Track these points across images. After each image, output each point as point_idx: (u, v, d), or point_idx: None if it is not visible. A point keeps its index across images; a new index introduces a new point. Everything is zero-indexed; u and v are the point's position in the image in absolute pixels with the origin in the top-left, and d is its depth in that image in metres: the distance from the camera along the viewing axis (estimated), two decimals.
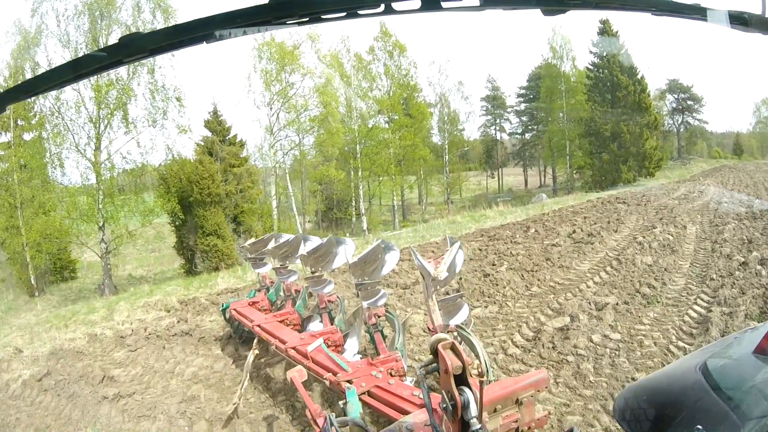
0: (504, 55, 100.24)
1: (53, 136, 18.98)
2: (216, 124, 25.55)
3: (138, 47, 1.01)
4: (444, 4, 0.95)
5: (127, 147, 20.23)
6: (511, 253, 11.09)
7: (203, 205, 19.92)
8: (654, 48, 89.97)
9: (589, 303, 7.27)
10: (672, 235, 12.11)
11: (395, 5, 0.96)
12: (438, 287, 3.48)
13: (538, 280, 8.99)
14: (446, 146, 37.18)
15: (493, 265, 10.19)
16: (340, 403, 3.45)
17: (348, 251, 5.33)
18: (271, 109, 25.19)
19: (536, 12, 1.04)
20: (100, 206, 18.72)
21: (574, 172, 38.45)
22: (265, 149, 25.45)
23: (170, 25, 1.19)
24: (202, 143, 24.58)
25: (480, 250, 11.86)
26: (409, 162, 32.52)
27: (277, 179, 26.95)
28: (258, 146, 26.01)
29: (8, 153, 19.81)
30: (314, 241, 6.04)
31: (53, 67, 1.18)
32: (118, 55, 1.01)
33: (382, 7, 0.96)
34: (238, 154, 24.99)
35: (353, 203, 29.81)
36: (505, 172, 52.91)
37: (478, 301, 7.98)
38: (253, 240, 7.80)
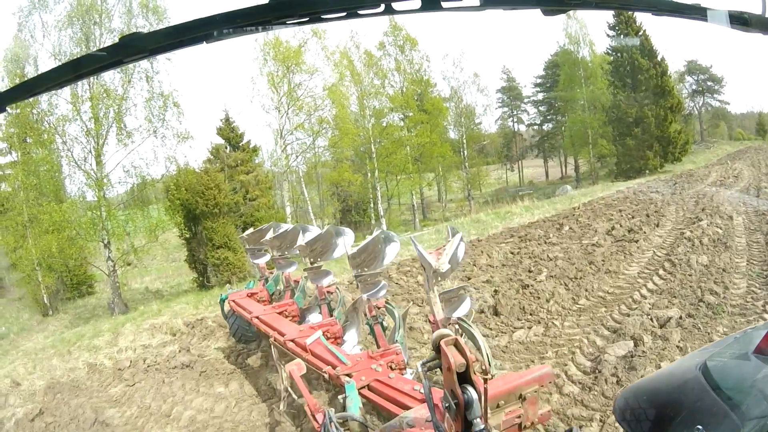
0: (518, 46, 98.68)
1: (45, 149, 18.51)
2: (228, 131, 24.83)
3: (138, 47, 0.99)
4: (444, 4, 0.95)
5: (129, 159, 19.59)
6: (548, 256, 9.94)
7: (211, 216, 18.94)
8: (670, 30, 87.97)
9: (651, 319, 6.14)
10: (720, 228, 10.95)
11: (395, 5, 0.94)
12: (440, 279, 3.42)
13: (585, 290, 7.83)
14: (464, 141, 36.04)
15: (530, 271, 9.07)
16: (340, 397, 3.40)
17: (347, 242, 5.26)
18: (279, 111, 24.37)
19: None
20: (104, 223, 18.12)
21: (597, 161, 36.97)
22: (277, 154, 24.69)
23: (170, 25, 0.94)
24: (214, 151, 23.97)
25: (513, 254, 10.70)
26: (426, 159, 31.44)
27: (292, 184, 26.18)
28: (271, 152, 25.31)
29: (15, 171, 19.38)
30: (313, 232, 6.06)
31: (53, 67, 1.06)
32: (118, 54, 0.99)
33: (382, 7, 0.95)
34: (247, 160, 24.15)
35: (372, 205, 28.89)
36: (524, 164, 51.66)
37: (519, 320, 6.84)
38: (251, 230, 7.77)
